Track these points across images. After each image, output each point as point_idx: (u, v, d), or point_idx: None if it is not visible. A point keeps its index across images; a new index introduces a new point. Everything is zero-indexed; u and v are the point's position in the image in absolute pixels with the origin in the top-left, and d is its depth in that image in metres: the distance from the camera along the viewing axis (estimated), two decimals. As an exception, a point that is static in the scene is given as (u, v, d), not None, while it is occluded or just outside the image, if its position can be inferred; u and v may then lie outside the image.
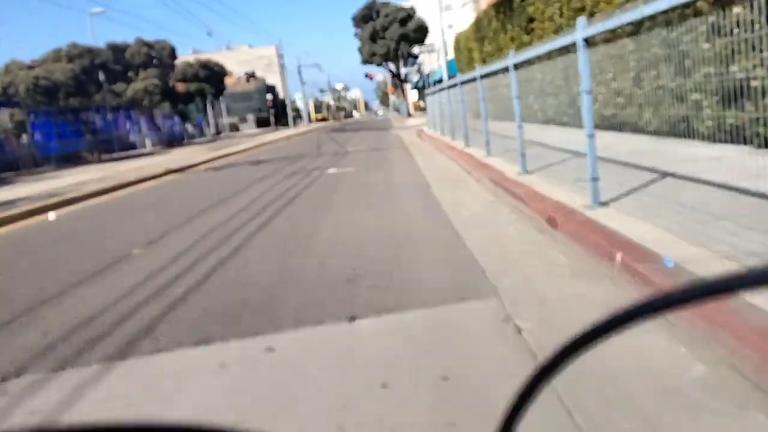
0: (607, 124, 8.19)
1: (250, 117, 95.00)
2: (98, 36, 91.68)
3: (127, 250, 6.41)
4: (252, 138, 42.51)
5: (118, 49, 48.69)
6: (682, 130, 5.03)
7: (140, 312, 4.09)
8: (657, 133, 6.27)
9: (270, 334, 3.39)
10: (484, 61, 19.08)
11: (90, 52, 38.67)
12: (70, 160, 37.66)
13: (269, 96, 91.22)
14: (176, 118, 57.08)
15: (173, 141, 51.97)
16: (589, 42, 5.00)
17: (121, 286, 4.87)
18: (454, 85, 14.29)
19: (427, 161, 12.42)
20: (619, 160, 6.60)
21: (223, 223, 7.31)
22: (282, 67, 60.69)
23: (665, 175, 5.56)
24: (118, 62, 48.88)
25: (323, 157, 17.13)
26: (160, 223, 8.02)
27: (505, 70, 7.79)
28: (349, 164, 13.99)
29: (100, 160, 38.16)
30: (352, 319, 3.50)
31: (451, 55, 34.32)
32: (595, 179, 4.78)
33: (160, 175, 15.64)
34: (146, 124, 50.86)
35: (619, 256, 3.79)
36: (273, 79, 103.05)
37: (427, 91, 23.46)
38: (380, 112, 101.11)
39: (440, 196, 7.53)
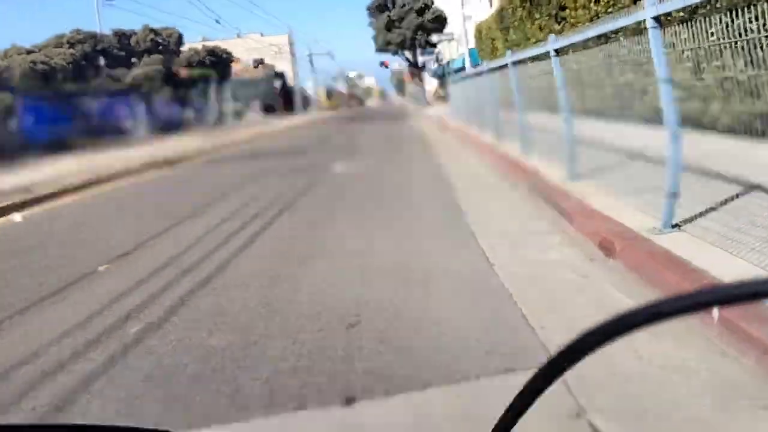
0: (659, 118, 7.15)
1: (256, 104, 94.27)
2: (108, 25, 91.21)
3: (92, 266, 5.52)
4: (247, 128, 41.68)
5: (124, 36, 48.03)
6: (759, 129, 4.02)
7: (66, 370, 3.16)
8: (730, 130, 5.27)
9: (225, 428, 2.44)
10: (510, 50, 17.98)
11: (93, 37, 37.98)
12: (59, 146, 37.03)
13: (277, 83, 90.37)
14: (176, 105, 56.46)
15: (170, 128, 51.33)
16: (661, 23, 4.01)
17: (63, 322, 3.96)
18: (481, 73, 13.30)
19: (453, 162, 11.45)
20: (688, 165, 5.57)
21: (200, 238, 6.36)
22: (293, 54, 59.62)
23: (752, 187, 4.55)
24: (123, 49, 48.22)
25: (330, 152, 16.18)
26: (134, 230, 7.11)
27: (544, 56, 6.77)
28: (362, 160, 13.04)
29: (91, 147, 37.58)
30: (350, 401, 2.55)
31: (472, 45, 33.23)
32: (673, 194, 3.78)
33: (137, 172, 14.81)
34: (143, 111, 50.23)
35: (716, 312, 2.82)
36: (284, 67, 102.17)
37: (450, 78, 22.46)
38: (396, 101, 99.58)
39: (467, 208, 6.53)
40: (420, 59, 43.77)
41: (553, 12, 13.05)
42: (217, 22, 58.10)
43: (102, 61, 40.35)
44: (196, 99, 65.58)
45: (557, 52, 6.58)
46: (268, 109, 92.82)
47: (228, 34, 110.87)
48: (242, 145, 22.96)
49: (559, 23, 12.75)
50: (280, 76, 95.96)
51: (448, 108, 32.29)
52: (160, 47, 49.11)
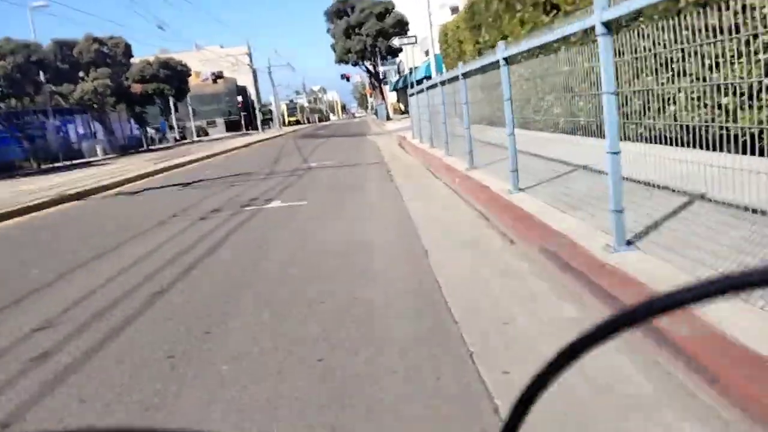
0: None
1: (220, 121, 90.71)
2: (44, 34, 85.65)
3: None
4: (212, 145, 38.48)
5: (65, 46, 44.31)
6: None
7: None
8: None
9: None
10: (479, 54, 15.45)
11: (26, 47, 34.32)
12: (4, 169, 33.42)
13: (239, 98, 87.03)
14: (132, 123, 52.77)
15: (129, 148, 47.67)
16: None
17: None
18: (435, 86, 10.80)
19: (417, 190, 8.67)
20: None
21: (57, 317, 3.40)
22: (251, 66, 56.48)
23: None
24: (65, 60, 44.48)
25: (276, 176, 13.27)
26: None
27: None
28: (305, 190, 10.19)
29: (41, 170, 34.02)
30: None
31: (438, 50, 30.67)
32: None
33: (52, 204, 11.67)
34: (97, 130, 46.48)
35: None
36: (245, 80, 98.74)
37: (410, 91, 19.72)
38: (358, 114, 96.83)
39: (445, 279, 3.76)
40: (381, 69, 40.88)
41: (541, 0, 10.41)
42: (160, 28, 53.79)
43: (42, 76, 36.65)
44: (154, 117, 61.89)
45: (507, 60, 6.17)
46: (232, 126, 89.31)
47: (184, 46, 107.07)
48: (186, 167, 19.90)
49: (547, 13, 10.12)
50: (242, 90, 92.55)
51: (410, 123, 29.65)
52: (108, 59, 45.49)
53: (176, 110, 68.63)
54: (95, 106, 44.32)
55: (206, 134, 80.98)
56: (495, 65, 6.72)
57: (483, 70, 7.91)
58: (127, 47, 46.14)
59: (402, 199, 7.97)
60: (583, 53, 4.39)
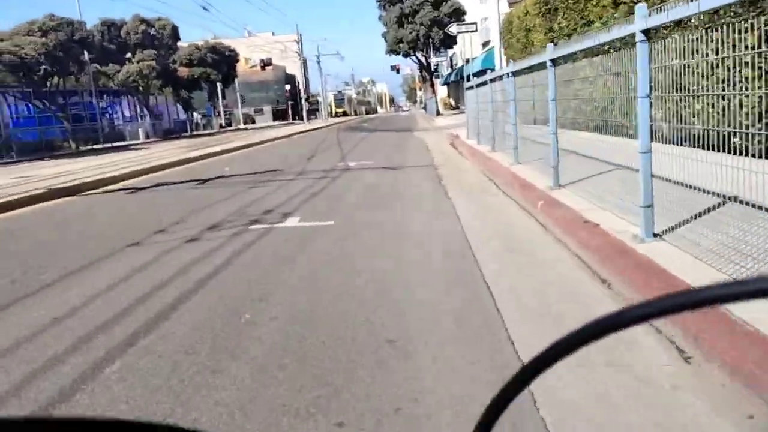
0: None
1: (267, 109, 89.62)
2: (91, 14, 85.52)
3: None
4: (254, 134, 36.80)
5: (113, 26, 43.32)
6: None
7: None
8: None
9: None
10: (553, 43, 12.93)
11: (70, 24, 33.11)
12: (42, 149, 32.35)
13: (288, 87, 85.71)
14: (179, 107, 51.69)
15: (173, 132, 46.47)
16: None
17: None
18: (500, 77, 8.51)
19: (481, 213, 6.41)
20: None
21: None
22: (300, 53, 54.74)
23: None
24: (112, 41, 43.51)
25: (306, 177, 11.17)
26: None
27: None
28: (335, 202, 8.04)
29: (78, 152, 32.89)
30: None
31: (496, 41, 28.24)
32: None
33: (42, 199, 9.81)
34: (141, 113, 45.42)
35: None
36: (294, 69, 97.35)
37: (467, 84, 17.32)
38: (405, 107, 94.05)
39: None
40: (433, 60, 38.04)
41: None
42: (204, 9, 52.33)
43: (86, 56, 35.49)
44: (201, 102, 60.79)
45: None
46: (279, 115, 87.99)
47: (236, 33, 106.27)
48: (218, 157, 18.02)
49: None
50: (291, 79, 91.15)
51: (461, 119, 27.26)
52: (155, 41, 44.33)
53: (223, 96, 67.64)
54: (141, 88, 43.17)
55: (253, 122, 79.94)
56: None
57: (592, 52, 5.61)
58: (174, 29, 44.86)
59: (462, 228, 5.71)
60: None
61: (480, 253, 4.71)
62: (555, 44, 7.04)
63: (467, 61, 24.27)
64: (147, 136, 42.46)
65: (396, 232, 5.82)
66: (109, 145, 36.49)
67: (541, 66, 7.36)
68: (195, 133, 49.71)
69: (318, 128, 38.90)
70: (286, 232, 6.21)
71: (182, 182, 11.70)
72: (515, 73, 9.68)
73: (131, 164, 15.56)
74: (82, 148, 34.77)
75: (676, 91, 3.82)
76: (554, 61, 6.68)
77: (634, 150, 4.11)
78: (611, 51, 5.02)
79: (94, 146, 35.53)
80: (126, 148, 31.53)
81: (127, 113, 45.44)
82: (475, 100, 15.38)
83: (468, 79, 20.49)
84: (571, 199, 5.82)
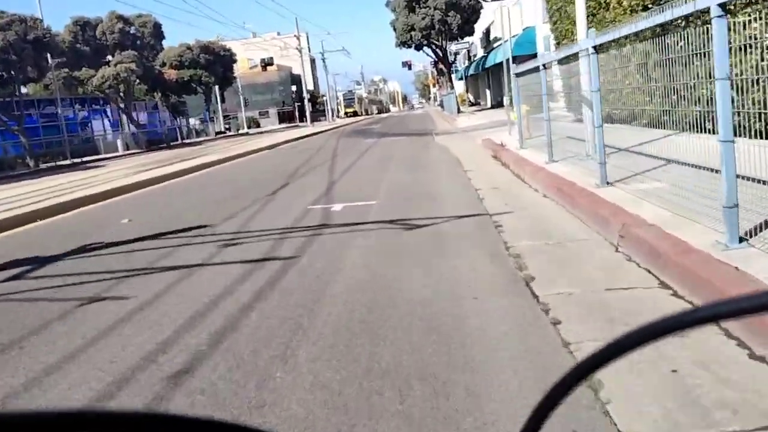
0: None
1: (273, 111, 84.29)
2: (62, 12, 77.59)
3: None
4: (246, 141, 31.34)
5: (88, 26, 38.06)
6: None
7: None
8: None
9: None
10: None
11: (22, 22, 27.80)
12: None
13: (293, 88, 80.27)
14: (166, 114, 46.35)
15: (160, 142, 41.02)
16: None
17: None
18: None
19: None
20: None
21: None
22: (299, 49, 49.20)
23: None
24: (89, 42, 38.25)
25: (237, 253, 5.60)
26: None
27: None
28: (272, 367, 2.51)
29: (36, 171, 27.75)
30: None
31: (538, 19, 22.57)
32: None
33: None
34: (116, 121, 40.08)
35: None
36: (300, 68, 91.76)
37: (516, 69, 11.43)
38: (417, 105, 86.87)
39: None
40: (453, 47, 31.60)
41: None
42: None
43: (50, 58, 30.21)
44: (198, 107, 55.27)
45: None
46: (285, 117, 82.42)
47: (239, 34, 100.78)
48: (179, 179, 12.48)
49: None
50: (297, 79, 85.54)
51: (486, 118, 21.46)
52: (137, 41, 39.01)
53: (223, 100, 62.26)
54: (122, 94, 37.82)
55: (257, 125, 74.65)
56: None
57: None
58: (157, 27, 39.50)
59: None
60: None
61: None
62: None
63: (484, 56, 18.43)
64: (127, 148, 37.16)
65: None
66: (78, 160, 31.27)
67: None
68: (186, 141, 44.33)
69: (320, 132, 33.29)
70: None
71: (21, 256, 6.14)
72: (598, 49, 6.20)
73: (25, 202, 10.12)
74: (42, 165, 29.63)
75: None
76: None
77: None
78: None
79: (59, 163, 30.32)
80: (84, 165, 26.24)
81: (106, 123, 40.19)
82: (530, 89, 9.71)
83: (508, 64, 14.83)
84: None
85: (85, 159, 31.70)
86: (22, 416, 0.33)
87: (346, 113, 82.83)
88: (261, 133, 49.49)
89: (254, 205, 8.24)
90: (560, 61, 10.65)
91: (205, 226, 6.89)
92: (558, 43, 16.04)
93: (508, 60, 16.94)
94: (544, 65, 8.35)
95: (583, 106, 8.06)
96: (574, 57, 7.77)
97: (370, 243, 5.38)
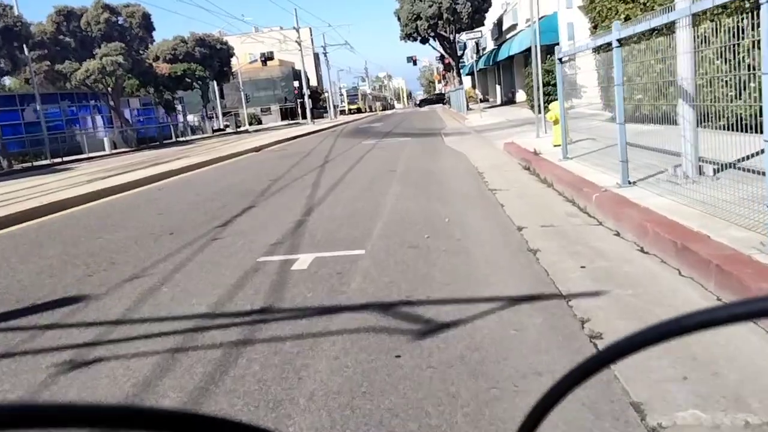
0: None
1: (275, 108, 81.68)
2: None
3: None
4: (239, 141, 28.61)
5: (72, 16, 35.29)
6: None
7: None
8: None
9: None
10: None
11: (-11, 10, 25.09)
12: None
13: (296, 83, 77.49)
14: (160, 110, 43.61)
15: (151, 140, 38.23)
16: None
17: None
18: None
19: None
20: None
21: None
22: (299, 41, 46.36)
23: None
24: (75, 34, 35.48)
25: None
26: None
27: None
28: None
29: (9, 172, 25.10)
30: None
31: (561, 5, 19.81)
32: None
33: None
34: (106, 118, 37.32)
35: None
36: (305, 64, 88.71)
37: (561, 52, 8.51)
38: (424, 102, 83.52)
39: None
40: (464, 37, 28.48)
41: None
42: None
43: (26, 50, 27.51)
44: (197, 103, 52.29)
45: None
46: (288, 114, 79.46)
47: (238, 29, 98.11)
48: (139, 189, 9.69)
49: None
50: (300, 75, 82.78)
51: (502, 116, 18.82)
52: (126, 33, 36.18)
53: (222, 96, 59.39)
54: (110, 89, 35.04)
55: (259, 122, 72.03)
56: None
57: None
58: (146, 17, 36.65)
59: None
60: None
61: None
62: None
63: (495, 48, 15.60)
64: (114, 146, 34.44)
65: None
66: (59, 160, 28.62)
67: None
68: (181, 139, 41.60)
69: (318, 131, 30.45)
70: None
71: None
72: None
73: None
74: (18, 166, 26.96)
75: None
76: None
77: None
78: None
79: (37, 163, 27.66)
80: (55, 167, 23.56)
81: (97, 120, 37.51)
82: (603, 77, 6.92)
83: (529, 53, 12.09)
84: None
85: (66, 159, 29.06)
86: (47, 407, 0.33)
87: (349, 110, 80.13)
88: (260, 130, 46.82)
89: (187, 249, 5.46)
90: (597, 49, 8.05)
91: (79, 299, 4.11)
92: (595, 26, 13.21)
93: (523, 50, 14.11)
94: (619, 41, 5.51)
95: (680, 102, 5.25)
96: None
97: (337, 379, 2.61)
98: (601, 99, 9.59)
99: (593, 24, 13.39)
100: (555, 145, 9.59)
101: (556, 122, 9.56)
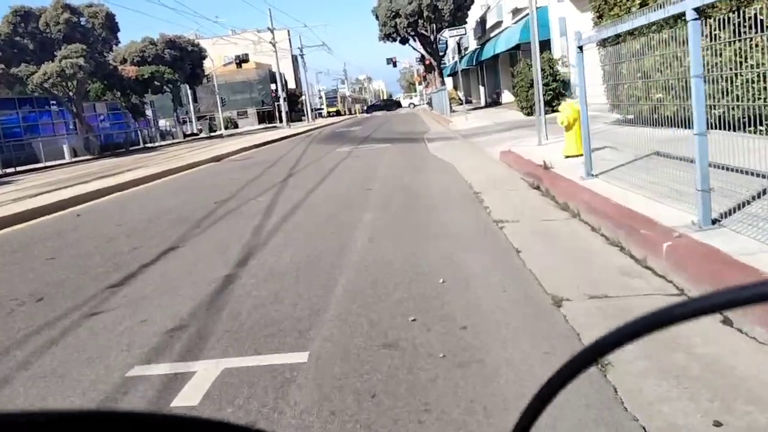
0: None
1: (252, 111, 79.39)
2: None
3: None
4: (204, 148, 26.43)
5: (30, 16, 32.84)
6: None
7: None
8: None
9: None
10: None
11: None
12: None
13: (273, 86, 75.18)
14: (129, 115, 41.18)
15: (116, 147, 35.83)
16: None
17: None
18: None
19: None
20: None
21: None
22: (273, 42, 44.20)
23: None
24: (35, 36, 33.03)
25: None
26: None
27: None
28: None
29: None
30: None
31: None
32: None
33: None
34: (69, 124, 34.85)
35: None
36: (283, 66, 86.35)
37: (588, 35, 6.64)
38: (406, 103, 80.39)
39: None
40: (447, 34, 26.34)
41: None
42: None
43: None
44: (169, 107, 49.73)
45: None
46: (265, 117, 77.08)
47: (211, 31, 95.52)
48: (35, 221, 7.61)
49: None
50: (274, 77, 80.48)
51: (488, 118, 17.11)
52: (89, 34, 33.77)
53: (195, 99, 56.94)
54: (71, 93, 32.62)
55: (236, 126, 69.73)
56: None
57: None
58: (110, 18, 34.24)
59: None
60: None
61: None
62: None
63: (479, 46, 13.67)
64: (75, 154, 32.03)
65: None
66: (12, 170, 26.29)
67: None
68: (148, 145, 39.21)
69: (292, 135, 28.37)
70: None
71: None
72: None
73: None
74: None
75: None
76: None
77: None
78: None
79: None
80: (6, 177, 21.26)
81: (59, 126, 35.06)
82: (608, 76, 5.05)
83: (515, 51, 10.26)
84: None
85: (19, 169, 26.71)
86: (21, 416, 0.32)
87: (328, 113, 78.02)
88: (234, 134, 44.64)
89: (37, 338, 3.45)
90: (602, 43, 6.71)
91: None
92: (600, 17, 11.37)
93: (510, 48, 12.25)
94: (697, 10, 3.60)
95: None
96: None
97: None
98: (606, 98, 7.87)
99: (598, 14, 11.55)
100: (567, 156, 7.70)
101: (568, 128, 7.67)
